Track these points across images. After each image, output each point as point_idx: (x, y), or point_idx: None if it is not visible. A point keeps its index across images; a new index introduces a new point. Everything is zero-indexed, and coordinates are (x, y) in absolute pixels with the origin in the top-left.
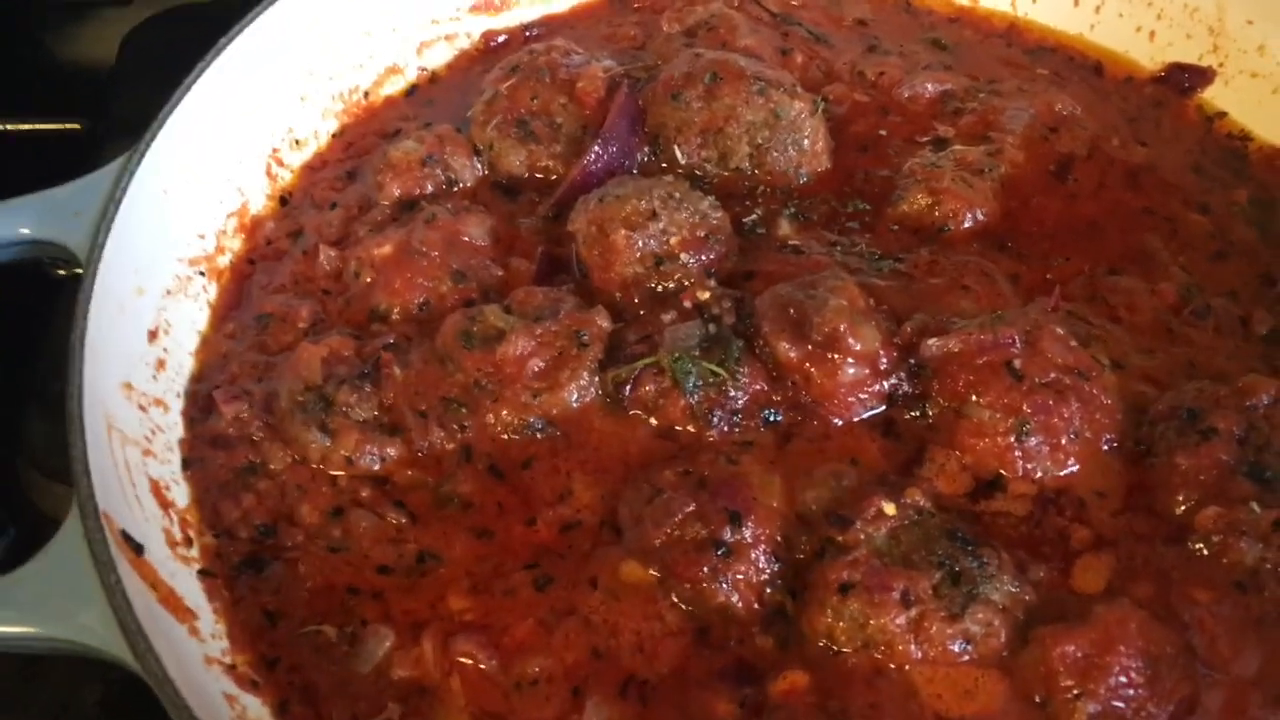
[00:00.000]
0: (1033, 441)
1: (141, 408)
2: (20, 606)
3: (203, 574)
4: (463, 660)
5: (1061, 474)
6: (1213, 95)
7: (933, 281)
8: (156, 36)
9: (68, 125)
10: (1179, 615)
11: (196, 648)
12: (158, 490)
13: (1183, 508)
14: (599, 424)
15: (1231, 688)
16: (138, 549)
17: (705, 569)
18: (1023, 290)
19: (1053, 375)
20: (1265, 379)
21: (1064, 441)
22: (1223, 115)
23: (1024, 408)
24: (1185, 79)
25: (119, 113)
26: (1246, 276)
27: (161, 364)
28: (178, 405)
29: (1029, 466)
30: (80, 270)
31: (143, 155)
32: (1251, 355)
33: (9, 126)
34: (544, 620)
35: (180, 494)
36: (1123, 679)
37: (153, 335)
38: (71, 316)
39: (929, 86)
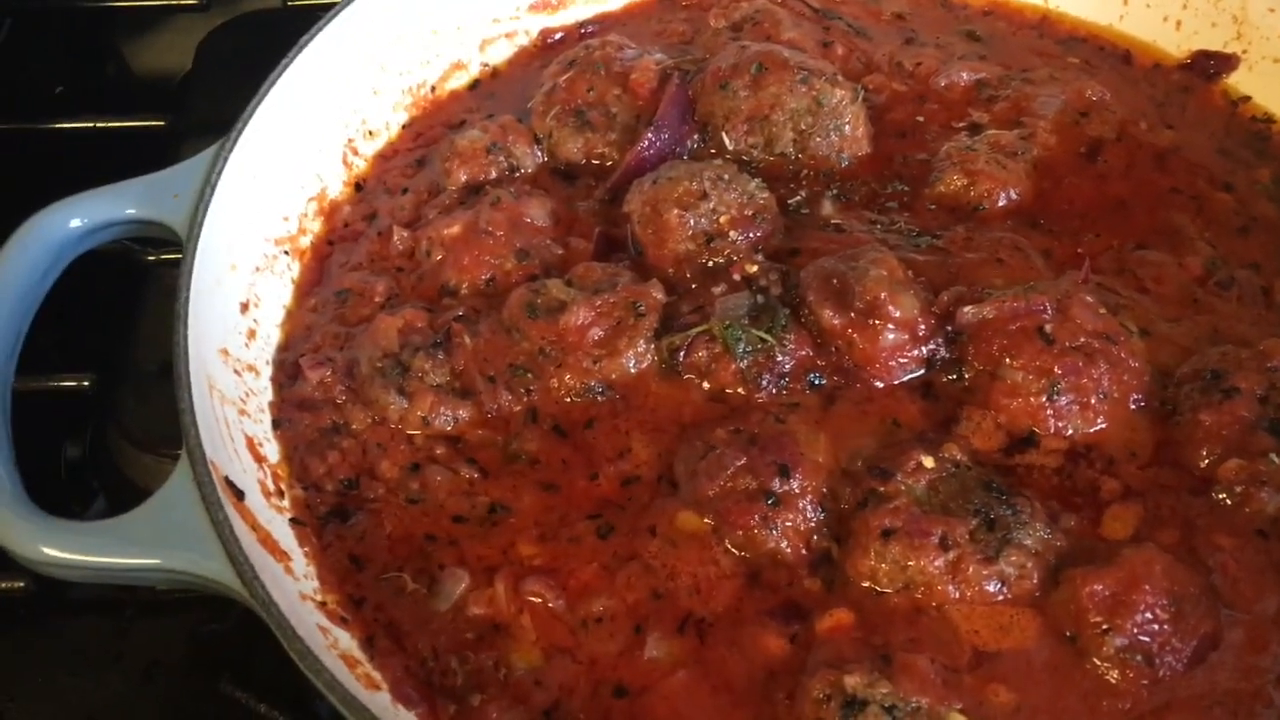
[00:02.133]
0: (1063, 400)
1: (236, 372)
2: (141, 541)
3: (294, 522)
4: (532, 599)
5: (1091, 431)
6: (1237, 80)
7: (969, 256)
8: (229, 41)
9: (151, 122)
10: (1203, 560)
11: (292, 585)
12: (252, 446)
13: (1206, 461)
14: (655, 388)
15: (1253, 625)
16: (239, 494)
17: (756, 517)
18: (1054, 264)
19: (1082, 339)
20: None
21: (1093, 401)
22: (1247, 99)
23: (1055, 369)
24: (1210, 65)
25: (196, 112)
26: (1269, 250)
27: (252, 333)
28: (267, 371)
29: (1060, 424)
30: (171, 255)
31: (234, 143)
32: (1273, 322)
33: (98, 124)
34: (607, 565)
35: (271, 451)
36: (1148, 615)
37: (244, 307)
38: (175, 289)
39: (964, 75)
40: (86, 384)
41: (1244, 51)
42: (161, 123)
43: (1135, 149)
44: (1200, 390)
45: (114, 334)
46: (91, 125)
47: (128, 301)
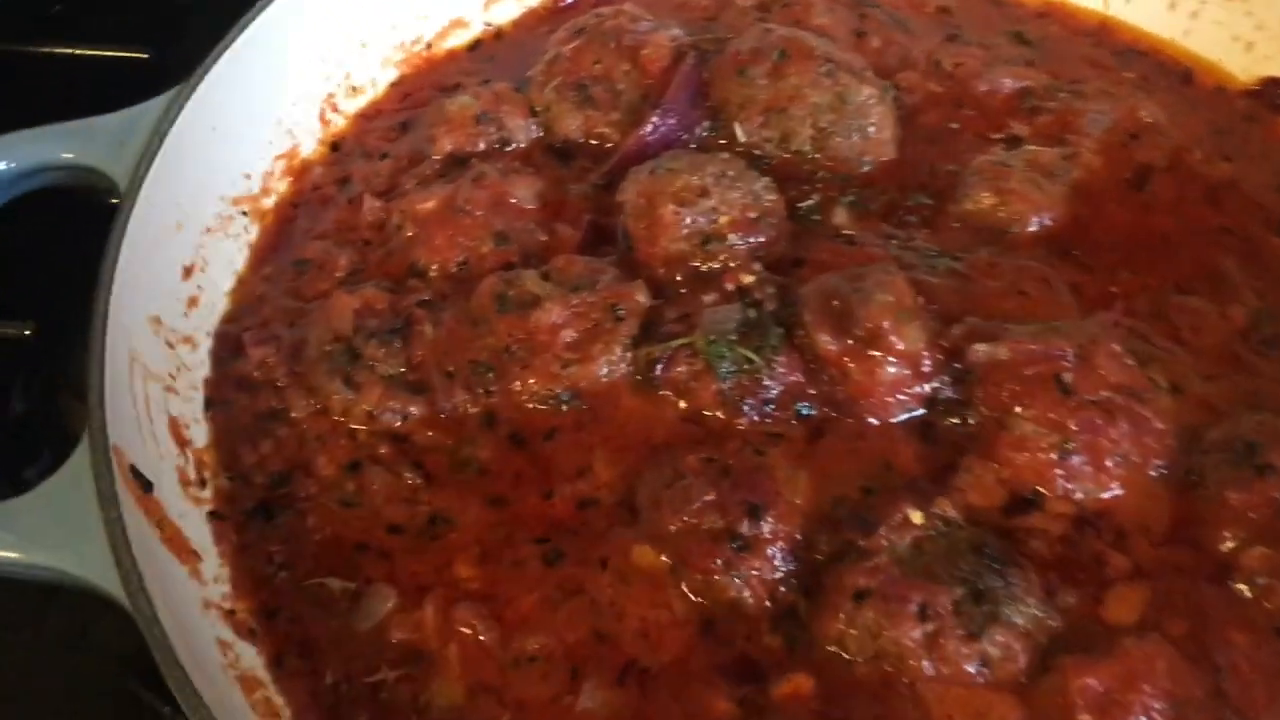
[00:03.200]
0: (1076, 460)
1: (169, 344)
2: (19, 532)
3: (212, 516)
4: (463, 629)
5: (1104, 497)
6: None
7: (989, 284)
8: None
9: (134, 54)
10: (1212, 657)
11: (196, 590)
12: (176, 428)
13: (1229, 545)
14: (627, 401)
15: None
16: (146, 486)
17: (719, 561)
18: (1084, 301)
19: (1104, 393)
20: None
21: (1109, 464)
22: None
23: (1070, 424)
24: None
25: (189, 44)
26: None
27: (194, 301)
28: (206, 344)
29: (1069, 486)
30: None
31: (193, 89)
32: None
33: (77, 51)
34: (549, 596)
35: (199, 434)
36: (1143, 719)
37: (188, 271)
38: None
39: (1007, 82)
40: (28, 332)
41: None
42: (145, 55)
43: (1186, 180)
44: (1230, 463)
45: (59, 278)
46: (70, 53)
47: (76, 243)
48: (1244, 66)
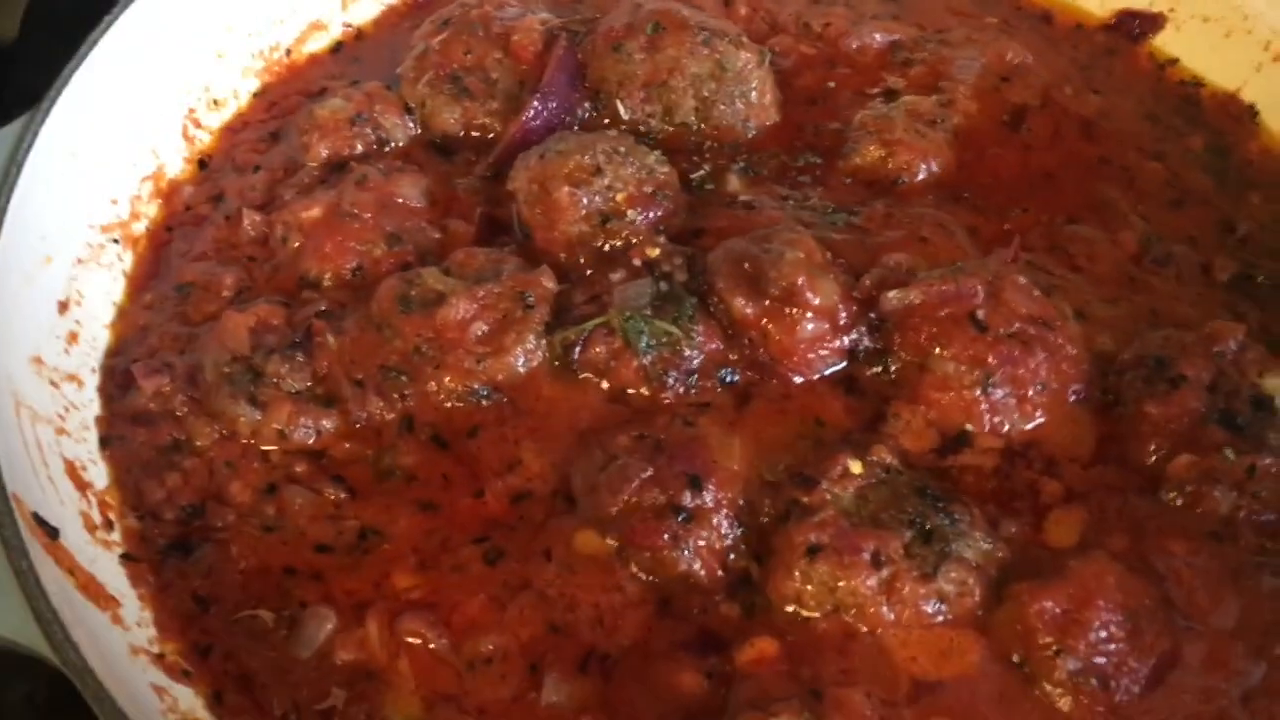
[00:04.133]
0: (999, 394)
1: (53, 384)
2: None
3: (125, 558)
4: (411, 640)
5: (1029, 427)
6: (1164, 42)
7: (889, 235)
8: (60, 4)
9: None
10: (1154, 567)
11: (120, 637)
12: (73, 471)
13: (1154, 458)
14: (547, 389)
15: (1212, 639)
16: (52, 533)
17: (665, 536)
18: (981, 242)
19: (1017, 325)
20: (1231, 324)
21: (1030, 393)
22: (1174, 62)
23: (989, 359)
24: (1136, 25)
25: (24, 81)
26: (1205, 223)
27: (74, 337)
28: (93, 381)
29: (995, 420)
30: None
31: (46, 115)
32: (1214, 302)
33: None
34: (496, 596)
35: (98, 474)
36: (1103, 633)
37: (63, 306)
38: None
39: (877, 37)
40: None
41: (1170, 10)
42: None
43: (1060, 116)
44: (1144, 379)
45: None
46: None
47: None
48: (1099, 1)
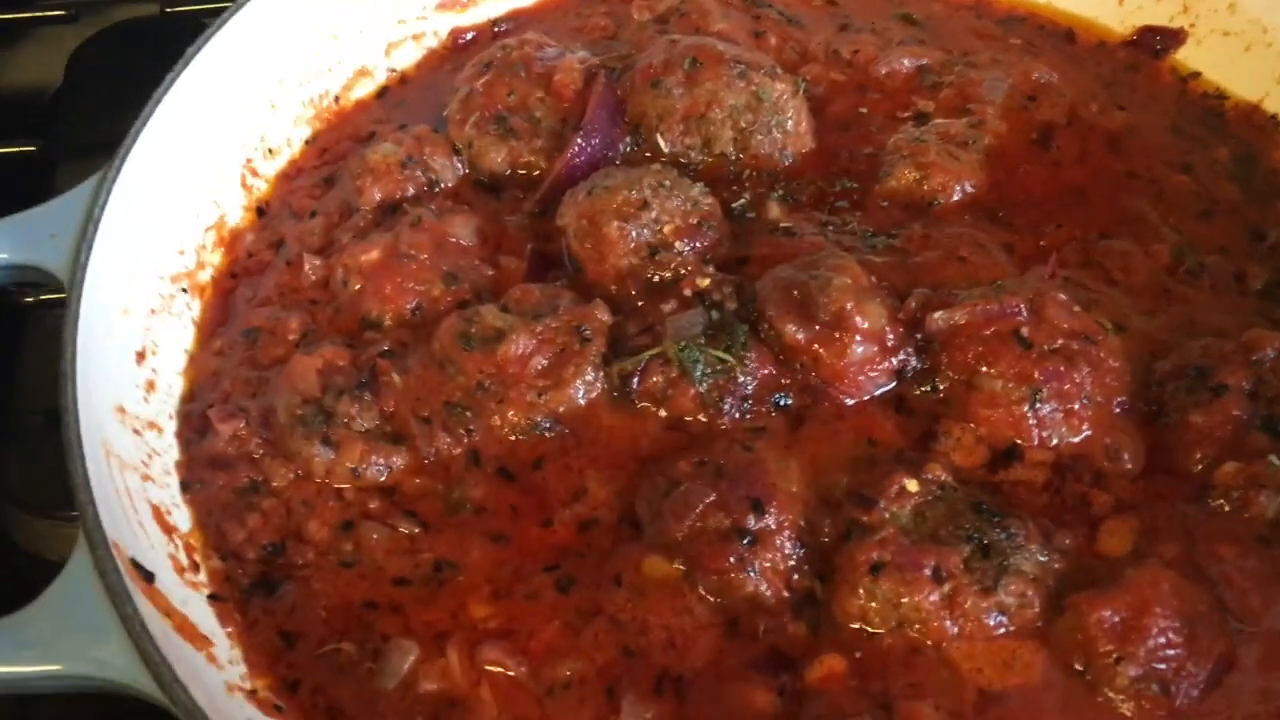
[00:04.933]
0: (1046, 409)
1: (136, 431)
2: (37, 644)
3: (213, 599)
4: (491, 669)
5: (1076, 440)
6: (1186, 56)
7: (928, 255)
8: (103, 53)
9: (21, 148)
10: (1206, 572)
11: (216, 675)
12: (159, 515)
13: (1200, 465)
14: (607, 419)
15: (1266, 641)
16: (149, 577)
17: (731, 559)
18: (1018, 259)
19: (1060, 341)
20: (1268, 332)
21: (1077, 407)
22: (1196, 75)
23: (1035, 375)
24: (1157, 41)
25: (70, 132)
26: (1235, 232)
27: (151, 385)
28: (171, 427)
29: (1044, 434)
30: (54, 295)
31: (118, 172)
32: (1248, 310)
33: None
34: (570, 622)
35: (182, 518)
36: (1161, 640)
37: (140, 356)
38: (60, 341)
39: (905, 62)
40: None
41: (1191, 25)
42: (32, 148)
43: (1087, 132)
44: (1186, 389)
45: None
46: None
47: (4, 348)
48: (1120, 19)
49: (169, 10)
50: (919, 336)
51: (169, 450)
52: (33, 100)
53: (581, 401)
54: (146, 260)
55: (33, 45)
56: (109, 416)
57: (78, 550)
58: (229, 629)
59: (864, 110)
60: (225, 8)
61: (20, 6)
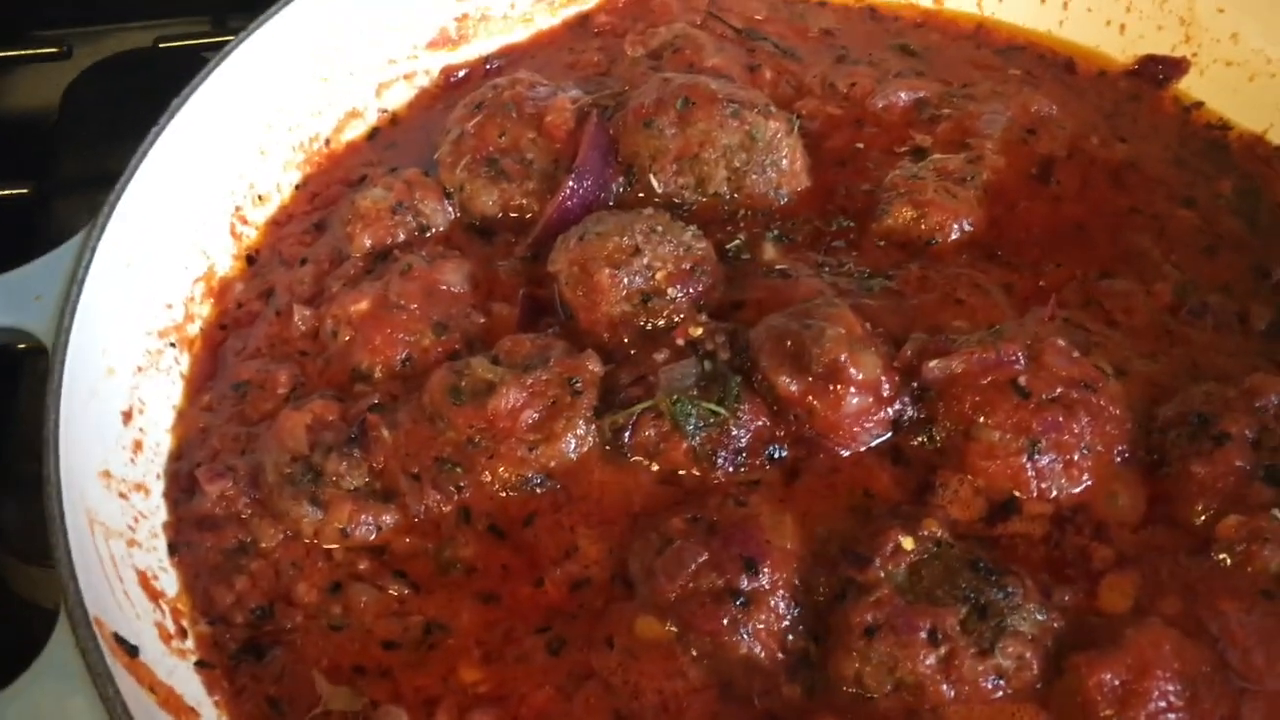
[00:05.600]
0: (1045, 460)
1: (122, 495)
2: None
3: (200, 665)
4: None
5: (1076, 491)
6: (1188, 85)
7: (925, 297)
8: (99, 87)
9: (14, 190)
10: (1208, 629)
11: None
12: (146, 582)
13: (1202, 518)
14: (599, 473)
15: (1270, 700)
16: (132, 651)
17: (724, 620)
18: (1017, 299)
19: (1059, 390)
20: (1271, 377)
21: (1077, 457)
22: (1199, 105)
23: (1033, 426)
24: (1159, 71)
25: (66, 169)
26: (1239, 269)
27: (139, 445)
28: (159, 487)
29: (1043, 486)
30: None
31: (103, 229)
32: (1252, 351)
33: None
34: (561, 686)
35: (169, 582)
36: (1162, 703)
37: (127, 416)
38: (41, 408)
39: (902, 95)
40: None
41: (1193, 55)
42: (25, 190)
43: (1088, 166)
44: (1188, 437)
45: None
46: None
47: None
48: (1121, 48)
49: (162, 45)
50: (915, 385)
51: (156, 512)
52: (29, 135)
53: (573, 455)
54: (133, 318)
55: (27, 80)
56: (94, 483)
57: (58, 630)
58: (216, 697)
59: (861, 145)
60: (218, 40)
61: (13, 43)
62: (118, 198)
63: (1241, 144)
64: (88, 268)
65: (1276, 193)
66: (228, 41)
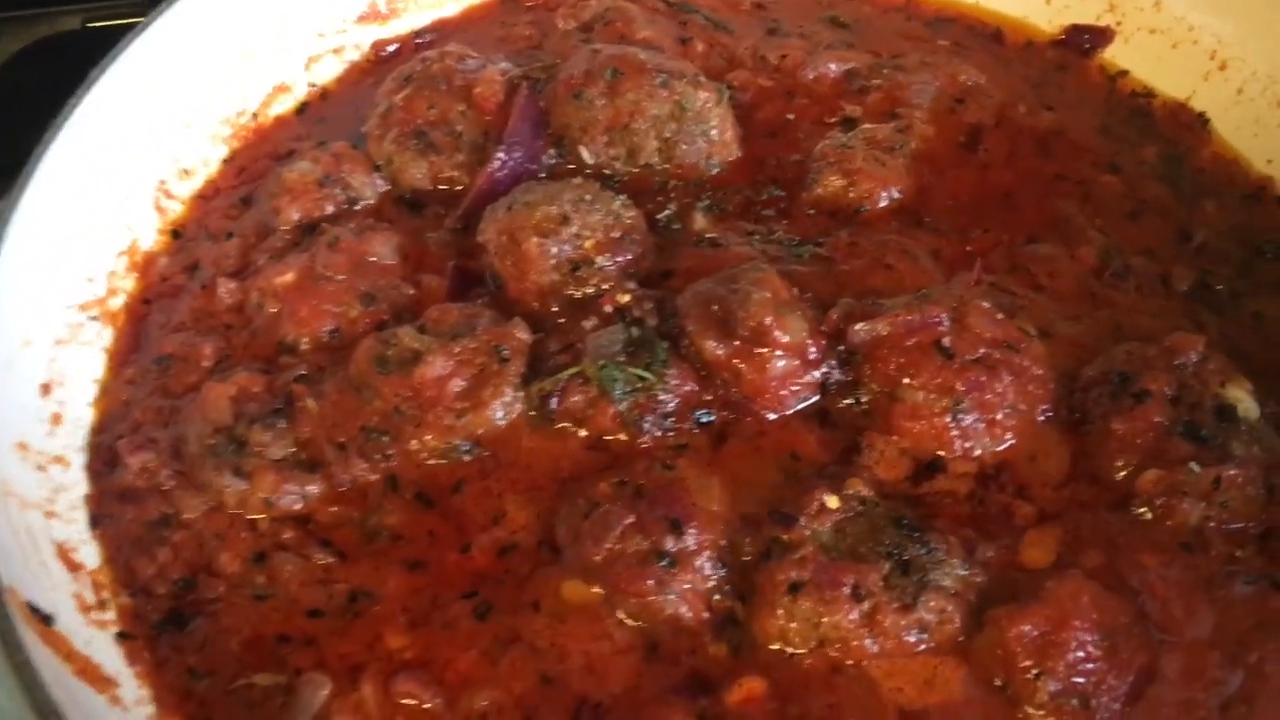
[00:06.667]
0: (968, 419)
1: (39, 467)
2: None
3: (121, 636)
4: (406, 701)
5: (1000, 449)
6: (1113, 54)
7: (854, 264)
8: (30, 70)
9: None
10: (1129, 582)
11: (120, 717)
12: (64, 554)
13: (1123, 473)
14: (527, 440)
15: (1188, 650)
16: (47, 620)
17: (650, 581)
18: (944, 265)
19: (982, 350)
20: (1191, 335)
21: (1000, 416)
22: (1124, 74)
23: (957, 386)
24: (1085, 40)
25: None
26: (1162, 233)
27: (57, 418)
28: (79, 460)
29: (967, 445)
30: None
31: (18, 201)
32: (1175, 312)
33: None
34: (487, 650)
35: (90, 554)
36: (1080, 654)
37: (45, 389)
38: None
39: (832, 66)
40: None
41: (1118, 24)
42: None
43: (1016, 134)
44: (1110, 395)
45: None
46: None
47: None
48: (1048, 18)
49: (90, 25)
50: (842, 348)
51: (76, 484)
52: None
53: (501, 423)
54: (52, 290)
55: None
56: (9, 454)
57: None
58: (137, 668)
59: (791, 116)
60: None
61: None
62: (34, 168)
63: (1165, 111)
64: (2, 238)
65: (1199, 158)
66: None
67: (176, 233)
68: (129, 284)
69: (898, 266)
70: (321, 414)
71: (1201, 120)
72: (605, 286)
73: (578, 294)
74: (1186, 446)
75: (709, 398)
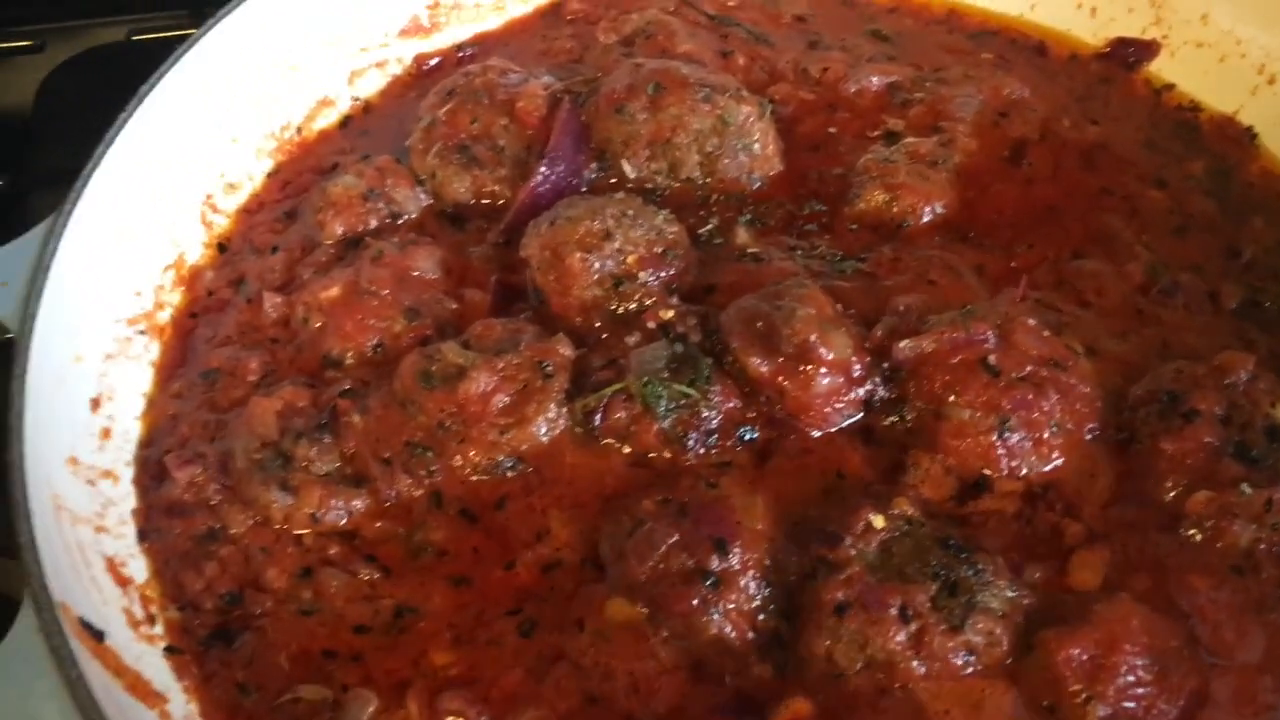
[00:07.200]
0: (1015, 438)
1: (89, 482)
2: None
3: (169, 651)
4: (451, 718)
5: (1047, 469)
6: (1159, 68)
7: (898, 279)
8: (75, 80)
9: None
10: (1179, 605)
11: None
12: (114, 568)
13: (1172, 494)
14: (571, 456)
15: (1240, 675)
16: (98, 636)
17: (695, 601)
18: (989, 281)
19: (1029, 368)
20: (1240, 354)
21: (1046, 435)
22: (1171, 87)
23: (1003, 404)
24: (1130, 53)
25: (41, 163)
26: (1210, 249)
27: (107, 433)
28: (128, 474)
29: (1013, 464)
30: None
31: (69, 216)
32: (1223, 330)
33: None
34: (532, 668)
35: (138, 569)
36: (1130, 678)
37: (95, 403)
38: (6, 393)
39: (874, 79)
40: None
41: (1164, 37)
42: (0, 184)
43: (1060, 148)
44: (1158, 414)
45: None
46: None
47: None
48: (1092, 31)
49: (135, 38)
50: (886, 365)
51: (125, 498)
52: (4, 130)
53: (544, 439)
54: (101, 305)
55: (2, 76)
56: (61, 469)
57: (22, 614)
58: (185, 683)
59: (833, 130)
60: (191, 33)
61: None
62: (84, 184)
63: (1212, 125)
64: (54, 254)
65: (1247, 173)
66: None
67: (222, 247)
68: (175, 298)
69: (941, 282)
70: (366, 429)
71: (1249, 135)
72: (648, 302)
73: (620, 309)
74: (1237, 467)
75: (753, 415)
